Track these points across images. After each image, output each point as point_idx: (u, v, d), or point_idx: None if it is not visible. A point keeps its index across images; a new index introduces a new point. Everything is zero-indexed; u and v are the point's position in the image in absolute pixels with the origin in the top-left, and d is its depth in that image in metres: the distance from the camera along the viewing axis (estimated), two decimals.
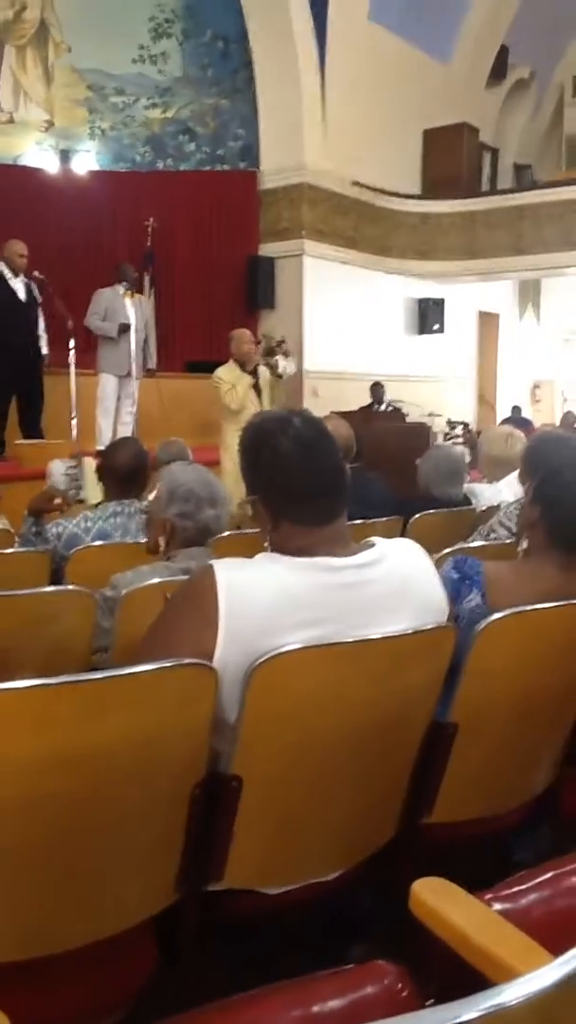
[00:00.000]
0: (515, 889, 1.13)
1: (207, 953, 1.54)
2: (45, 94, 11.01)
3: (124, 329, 7.83)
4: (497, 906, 1.09)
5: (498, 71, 13.55)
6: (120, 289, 8.02)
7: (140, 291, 8.94)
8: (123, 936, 1.39)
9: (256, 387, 6.67)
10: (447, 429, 10.61)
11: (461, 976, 0.97)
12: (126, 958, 1.44)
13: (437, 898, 1.03)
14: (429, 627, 1.55)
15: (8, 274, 7.36)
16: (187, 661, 1.36)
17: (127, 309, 7.96)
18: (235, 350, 6.69)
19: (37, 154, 10.90)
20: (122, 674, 1.31)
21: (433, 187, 12.83)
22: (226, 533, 3.12)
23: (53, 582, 2.76)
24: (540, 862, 1.20)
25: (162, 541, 2.42)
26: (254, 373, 6.68)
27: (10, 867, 1.27)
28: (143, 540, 2.86)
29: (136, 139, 11.46)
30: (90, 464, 4.26)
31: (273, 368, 6.80)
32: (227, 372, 6.62)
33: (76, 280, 8.64)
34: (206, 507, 2.38)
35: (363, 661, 1.47)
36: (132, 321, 7.92)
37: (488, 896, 1.10)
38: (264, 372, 6.84)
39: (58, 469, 4.11)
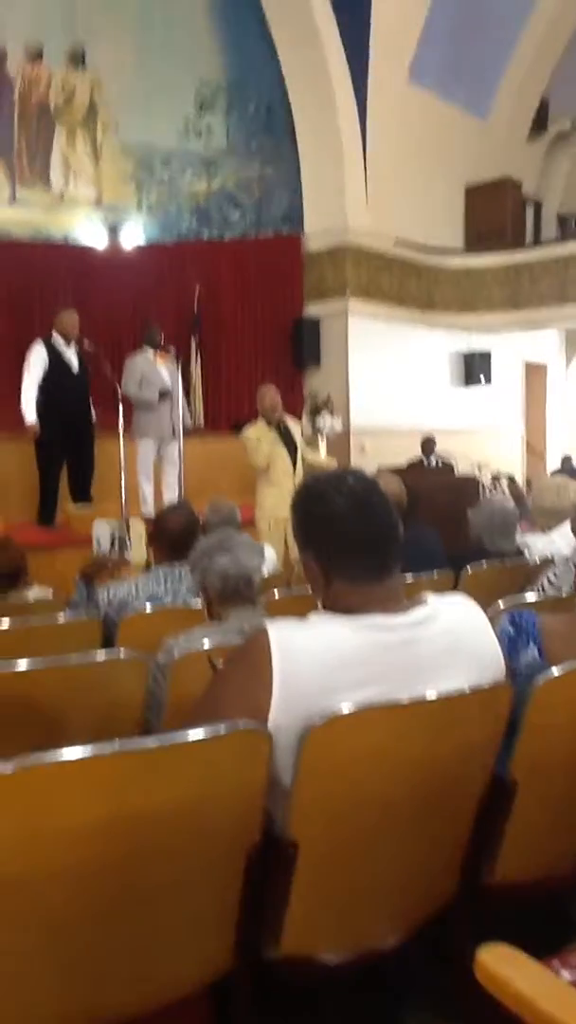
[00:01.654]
0: None
1: (263, 1020, 1.50)
2: (93, 171, 11.36)
3: (164, 394, 7.87)
4: (566, 974, 1.05)
5: (539, 124, 13.70)
6: (150, 353, 8.07)
7: (186, 354, 9.02)
8: (178, 1006, 1.36)
9: (288, 442, 6.61)
10: (492, 482, 10.52)
11: None
12: None
13: (503, 966, 1.00)
14: (485, 684, 1.53)
15: (62, 344, 7.55)
16: (242, 724, 1.35)
17: (162, 373, 8.02)
18: (259, 404, 6.67)
19: (87, 229, 11.22)
20: (176, 740, 1.31)
21: (476, 241, 12.93)
22: (277, 596, 3.13)
23: (105, 647, 2.77)
24: None
25: (206, 608, 2.49)
26: (279, 427, 6.61)
27: (64, 934, 1.26)
28: (192, 603, 2.88)
29: (182, 210, 11.74)
30: (136, 525, 4.30)
31: (314, 425, 6.71)
32: (253, 429, 6.60)
33: (125, 349, 8.80)
34: (216, 554, 2.42)
35: (419, 720, 1.45)
36: (167, 381, 7.97)
37: (555, 963, 1.06)
38: (295, 428, 6.76)
39: (103, 530, 4.16)
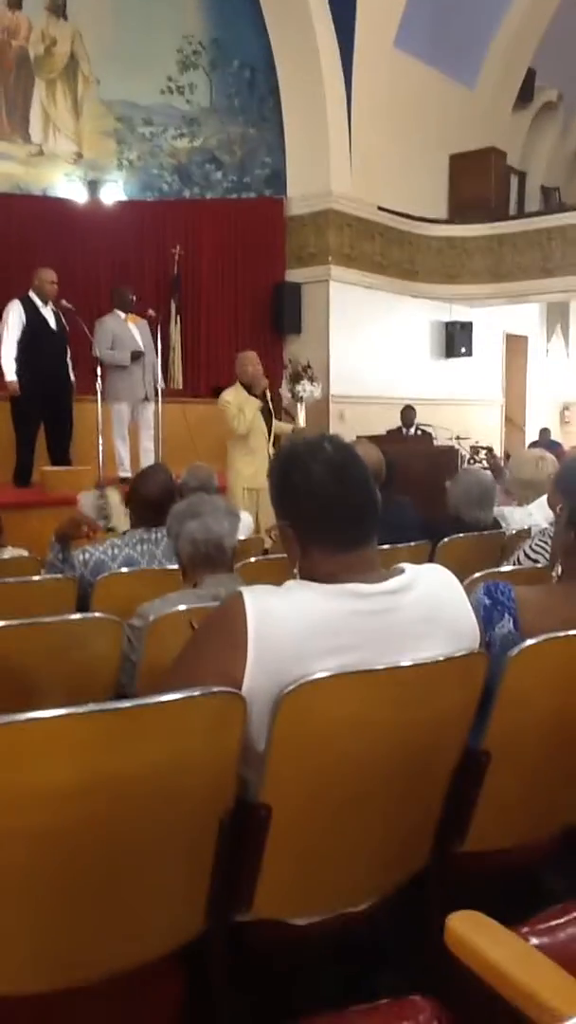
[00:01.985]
0: (552, 923, 1.10)
1: (235, 985, 1.51)
2: (74, 126, 11.16)
3: (136, 356, 7.79)
4: (534, 940, 1.06)
5: (525, 94, 13.59)
6: (121, 315, 7.97)
7: (165, 316, 8.92)
8: (151, 967, 1.37)
9: (265, 411, 6.59)
10: (471, 454, 10.55)
11: (499, 1013, 0.94)
12: (154, 990, 1.42)
13: (473, 932, 1.01)
14: (460, 654, 1.53)
15: (39, 303, 7.45)
16: (216, 689, 1.35)
17: (134, 335, 7.93)
18: (240, 372, 6.61)
19: (66, 185, 11.04)
20: (150, 702, 1.30)
21: (460, 211, 12.86)
22: (252, 559, 3.13)
23: (80, 609, 2.76)
24: (573, 893, 1.17)
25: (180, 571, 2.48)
26: (263, 397, 6.58)
27: (36, 894, 1.26)
28: (169, 567, 2.87)
29: (163, 169, 11.58)
30: (114, 494, 4.29)
31: (263, 394, 6.64)
32: (234, 395, 6.52)
33: (103, 309, 8.70)
34: (186, 519, 2.41)
35: (393, 688, 1.45)
36: (139, 342, 7.90)
37: (525, 930, 1.07)
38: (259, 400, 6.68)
39: (87, 501, 4.14)
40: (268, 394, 6.67)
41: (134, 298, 8.15)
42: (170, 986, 1.43)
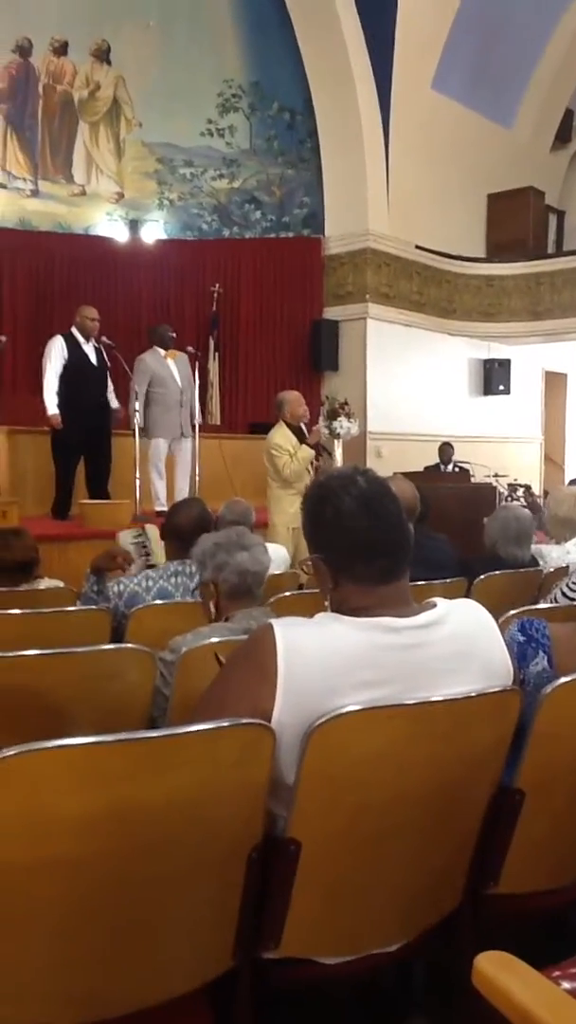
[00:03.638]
0: None
1: (260, 1022, 1.49)
2: (116, 167, 11.40)
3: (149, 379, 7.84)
4: (565, 984, 1.03)
5: (563, 134, 13.65)
6: (160, 352, 8.07)
7: (204, 352, 9.01)
8: (177, 1003, 1.35)
9: (314, 462, 6.58)
10: (508, 491, 10.48)
11: None
12: None
13: (502, 973, 0.98)
14: (493, 690, 1.51)
15: (80, 339, 7.57)
16: (245, 721, 1.35)
17: (172, 371, 7.99)
18: (290, 414, 6.60)
19: (107, 224, 11.26)
20: (178, 733, 1.30)
21: (498, 250, 12.89)
22: (286, 593, 3.12)
23: (113, 640, 2.77)
24: None
25: (212, 606, 2.45)
26: (316, 447, 6.57)
27: (60, 925, 1.25)
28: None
29: (203, 208, 11.76)
30: (153, 530, 4.31)
31: (316, 445, 6.64)
32: (283, 438, 6.51)
33: (143, 346, 8.81)
34: (236, 551, 2.39)
35: (424, 724, 1.43)
36: (177, 379, 7.96)
37: (556, 973, 1.04)
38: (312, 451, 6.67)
39: (125, 540, 4.17)
40: (321, 442, 6.65)
41: (173, 335, 8.25)
42: (196, 1021, 1.41)
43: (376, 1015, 1.56)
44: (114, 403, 7.78)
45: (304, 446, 6.49)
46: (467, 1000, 1.03)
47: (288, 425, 6.59)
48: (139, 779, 1.23)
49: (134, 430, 7.62)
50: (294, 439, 6.53)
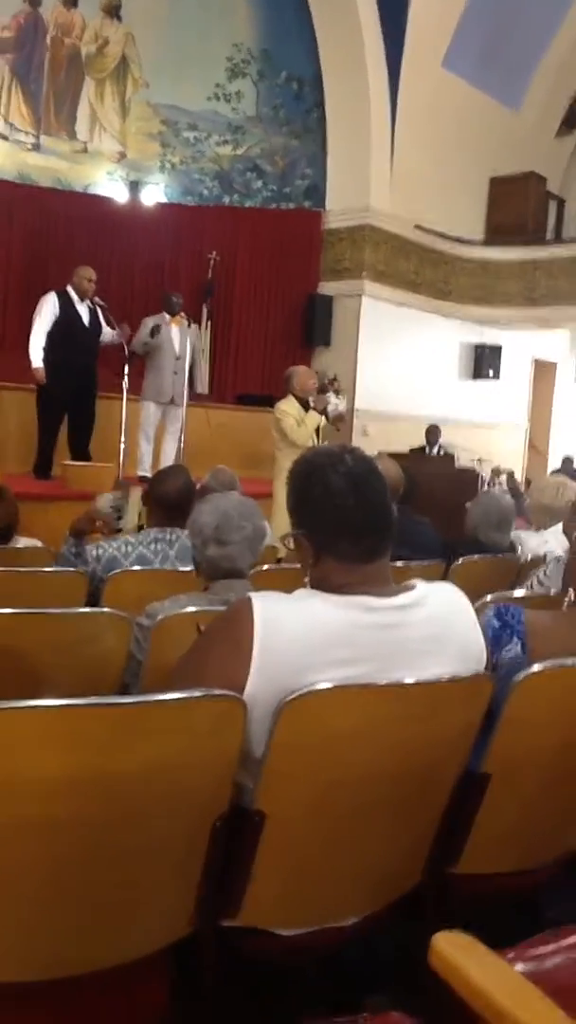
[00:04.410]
0: (541, 950, 1.08)
1: (219, 991, 1.51)
2: (120, 126, 11.25)
3: (155, 332, 7.85)
4: (520, 966, 1.04)
5: (570, 120, 13.57)
6: (166, 316, 8.10)
7: (196, 320, 8.99)
8: (139, 965, 1.37)
9: (317, 430, 6.66)
10: (492, 476, 10.51)
11: None
12: (137, 989, 1.42)
13: (458, 953, 0.99)
14: (465, 674, 1.52)
15: (75, 297, 7.51)
16: (218, 692, 1.35)
17: (171, 334, 8.02)
18: (299, 386, 6.65)
19: (108, 184, 11.13)
20: (152, 700, 1.30)
21: (496, 234, 12.84)
22: (265, 567, 3.12)
23: (90, 604, 2.77)
24: (572, 922, 1.15)
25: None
26: (323, 412, 6.63)
27: (28, 886, 1.26)
28: (182, 568, 2.87)
29: (205, 174, 11.64)
30: (135, 492, 4.29)
31: (323, 411, 6.72)
32: (291, 407, 6.58)
33: (136, 309, 8.77)
34: (210, 544, 2.36)
35: (397, 704, 1.44)
36: (176, 345, 7.97)
37: (511, 955, 1.05)
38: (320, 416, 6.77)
39: (103, 503, 4.16)
40: (327, 411, 6.69)
41: (179, 302, 8.26)
42: (155, 984, 1.42)
43: (339, 990, 1.57)
44: (116, 337, 7.68)
45: (311, 412, 6.55)
46: (429, 978, 1.04)
47: (296, 398, 6.62)
48: (110, 744, 1.23)
49: (123, 392, 7.58)
50: (301, 409, 6.58)
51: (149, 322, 8.02)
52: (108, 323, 7.60)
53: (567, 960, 1.06)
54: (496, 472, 10.56)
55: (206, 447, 8.28)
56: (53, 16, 10.52)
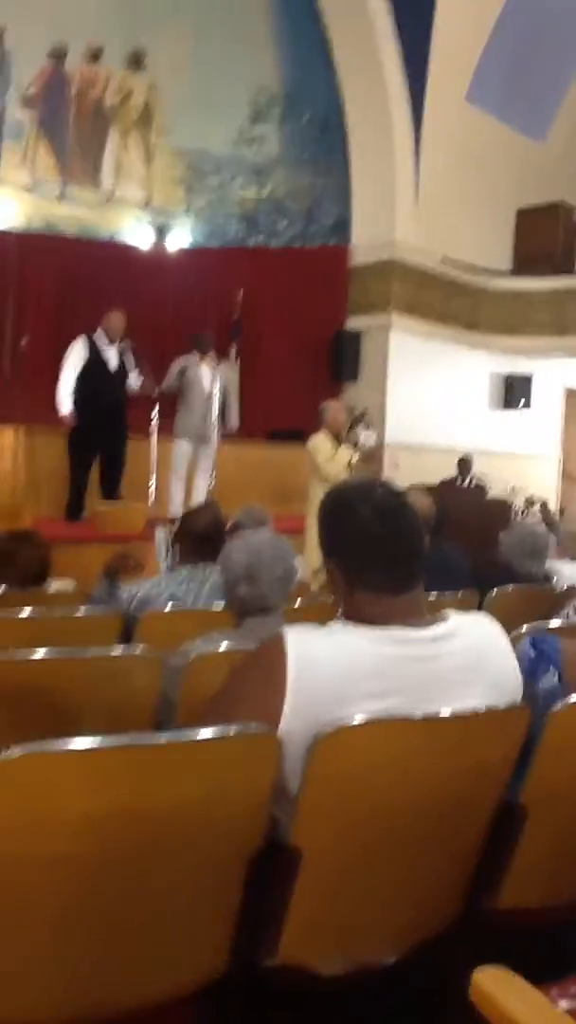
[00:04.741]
0: None
1: None
2: (145, 173, 11.43)
3: (182, 373, 7.95)
4: (563, 1003, 1.02)
5: None
6: (196, 356, 8.18)
7: (224, 356, 9.09)
8: (170, 1006, 1.35)
9: (350, 463, 6.73)
10: (525, 506, 10.44)
11: None
12: None
13: (500, 989, 0.98)
14: (502, 706, 1.50)
15: (103, 342, 7.62)
16: (252, 728, 1.34)
17: (200, 373, 8.10)
18: (331, 420, 6.76)
19: (134, 230, 11.31)
20: (185, 738, 1.30)
21: (525, 264, 12.85)
22: (297, 603, 3.11)
23: (122, 643, 2.77)
24: None
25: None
26: (355, 447, 6.73)
27: (58, 923, 1.26)
28: (213, 605, 2.87)
29: (230, 217, 11.79)
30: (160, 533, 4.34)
31: (355, 443, 6.81)
32: (324, 442, 6.67)
33: (166, 351, 8.85)
34: (241, 583, 2.36)
35: (432, 737, 1.43)
36: (205, 384, 8.04)
37: (554, 992, 1.03)
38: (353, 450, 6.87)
39: (161, 537, 4.22)
40: (358, 444, 6.76)
41: (210, 342, 8.37)
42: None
43: (367, 1020, 1.55)
44: (135, 381, 7.78)
45: (343, 446, 6.63)
46: (460, 1013, 1.02)
47: (329, 432, 6.73)
48: (144, 782, 1.24)
49: (151, 432, 7.66)
50: (333, 443, 6.68)
51: (179, 362, 8.10)
52: (137, 365, 7.69)
53: None
54: (529, 502, 10.48)
55: (237, 484, 8.32)
56: (78, 70, 10.78)
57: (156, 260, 11.02)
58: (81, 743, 1.21)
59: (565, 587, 3.68)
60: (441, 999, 1.42)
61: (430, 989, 1.57)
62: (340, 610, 1.60)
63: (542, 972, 1.05)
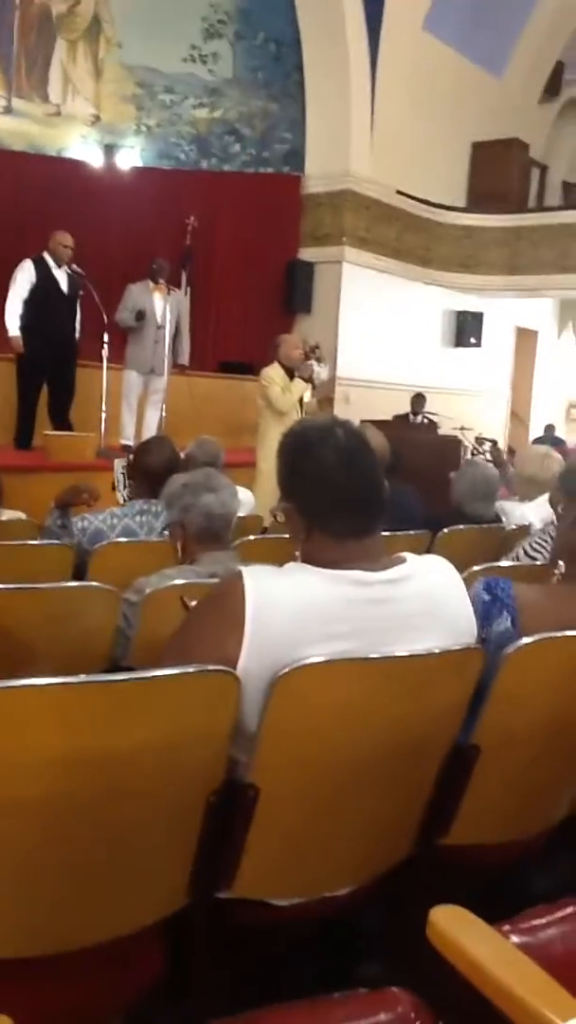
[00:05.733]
0: (535, 922, 1.10)
1: (214, 962, 1.52)
2: (93, 88, 11.06)
3: (140, 316, 7.79)
4: (515, 939, 1.06)
5: (552, 87, 13.49)
6: (149, 284, 8.02)
7: (175, 285, 8.91)
8: (132, 938, 1.38)
9: (301, 399, 6.66)
10: (475, 445, 10.53)
11: (477, 1010, 0.94)
12: (133, 961, 1.43)
13: (455, 927, 1.01)
14: (456, 647, 1.52)
15: (52, 265, 7.42)
16: (211, 667, 1.35)
17: (153, 303, 7.95)
18: (284, 355, 6.65)
19: (82, 148, 10.95)
20: (144, 677, 1.30)
21: (479, 201, 12.78)
22: (251, 537, 3.12)
23: (76, 577, 2.75)
24: (560, 894, 1.17)
25: (179, 547, 2.44)
26: (309, 380, 6.64)
27: (22, 863, 1.26)
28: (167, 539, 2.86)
29: (182, 138, 11.48)
30: (118, 464, 4.28)
31: (307, 376, 6.73)
32: (277, 374, 6.59)
33: (114, 275, 8.65)
34: (203, 492, 2.38)
35: (388, 678, 1.45)
36: (157, 314, 7.90)
37: (507, 928, 1.07)
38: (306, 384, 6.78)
39: (119, 467, 4.18)
40: (312, 378, 6.69)
41: (164, 268, 8.19)
42: (149, 958, 1.43)
43: (328, 960, 1.60)
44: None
45: (297, 380, 6.55)
46: (418, 949, 1.05)
47: (282, 365, 6.62)
48: (105, 721, 1.24)
49: (102, 360, 7.52)
50: (286, 376, 6.57)
51: (132, 293, 7.92)
52: (84, 290, 7.51)
53: (562, 932, 1.07)
54: (479, 441, 10.57)
55: (188, 416, 8.24)
56: None
57: (105, 179, 10.72)
58: (40, 681, 1.20)
59: (514, 527, 3.73)
60: (397, 936, 1.46)
61: (386, 926, 1.62)
62: (297, 551, 1.60)
63: (496, 910, 1.09)
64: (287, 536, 1.67)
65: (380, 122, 10.99)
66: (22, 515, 3.54)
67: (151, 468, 3.22)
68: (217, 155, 11.55)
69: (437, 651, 1.49)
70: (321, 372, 9.27)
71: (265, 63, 11.31)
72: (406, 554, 1.61)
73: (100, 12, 10.83)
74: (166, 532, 3.05)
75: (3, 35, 10.32)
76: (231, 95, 11.43)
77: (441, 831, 1.66)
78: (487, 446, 9.67)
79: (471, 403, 12.95)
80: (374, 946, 1.65)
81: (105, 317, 7.55)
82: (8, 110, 10.49)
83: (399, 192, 11.61)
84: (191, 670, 1.32)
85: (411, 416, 10.73)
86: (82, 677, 1.23)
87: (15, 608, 2.09)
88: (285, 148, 11.52)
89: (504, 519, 3.90)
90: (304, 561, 1.55)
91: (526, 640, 1.60)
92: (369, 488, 1.56)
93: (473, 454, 9.70)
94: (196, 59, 11.23)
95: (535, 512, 3.78)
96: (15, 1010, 0.87)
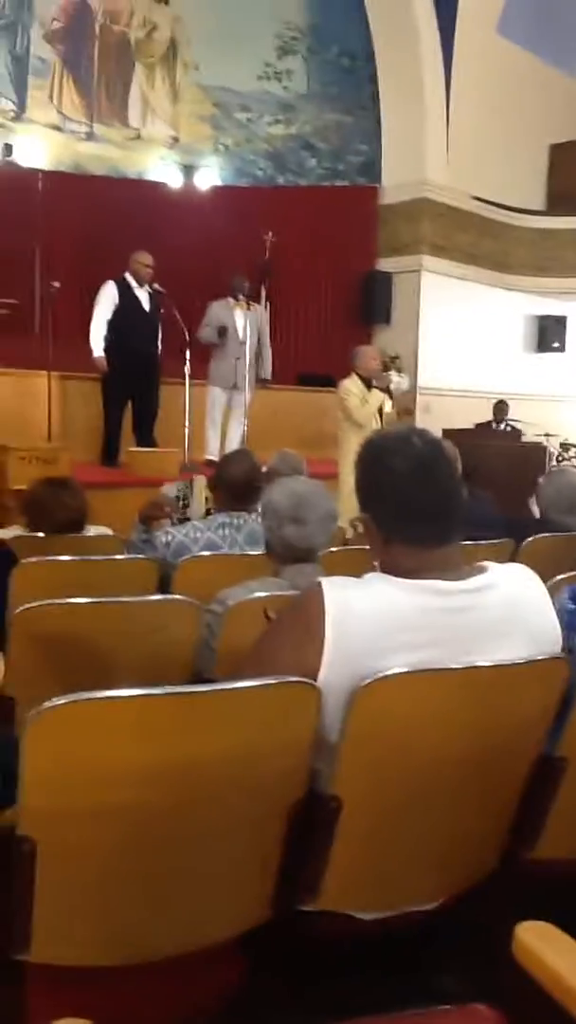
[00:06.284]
0: None
1: (296, 974, 1.52)
2: (171, 111, 11.26)
3: (222, 333, 7.85)
4: None
5: None
6: (230, 301, 8.08)
7: (255, 300, 8.98)
8: (212, 949, 1.38)
9: (380, 408, 6.66)
10: (561, 451, 10.33)
11: None
12: (214, 972, 1.43)
13: (542, 944, 0.99)
14: (541, 657, 1.50)
15: (133, 284, 7.56)
16: (291, 679, 1.35)
17: (235, 319, 8.02)
18: (361, 366, 6.67)
19: (161, 169, 11.15)
20: (226, 688, 1.31)
21: (557, 202, 12.57)
22: (333, 549, 3.11)
23: (160, 591, 2.79)
24: None
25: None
26: (386, 391, 6.65)
27: (103, 871, 1.28)
28: (250, 552, 2.88)
29: (258, 155, 11.60)
30: (200, 482, 4.32)
31: (386, 387, 6.72)
32: (354, 386, 6.60)
33: (194, 293, 8.75)
34: (287, 523, 2.36)
35: (470, 688, 1.43)
36: (239, 330, 7.95)
37: None
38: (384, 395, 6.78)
39: (171, 490, 4.20)
40: (391, 389, 6.70)
41: (245, 285, 8.23)
42: (230, 970, 1.44)
43: (408, 974, 1.57)
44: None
45: (374, 391, 6.56)
46: (501, 965, 1.03)
47: (360, 377, 6.63)
48: (186, 732, 1.25)
49: (185, 377, 7.62)
50: (363, 387, 6.59)
51: (214, 310, 8.00)
52: (166, 309, 7.62)
53: None
54: (565, 447, 10.37)
55: (268, 430, 8.29)
56: (101, 3, 10.55)
57: (184, 198, 10.88)
58: (124, 693, 1.22)
59: None
60: (479, 951, 1.44)
61: (469, 940, 1.59)
62: (376, 561, 1.59)
63: None
64: (369, 549, 1.66)
65: (455, 129, 10.92)
66: (108, 530, 3.61)
67: (232, 480, 3.24)
68: (293, 170, 11.63)
69: (520, 661, 1.47)
70: (401, 383, 9.24)
71: (338, 76, 11.35)
72: (488, 563, 1.59)
73: (176, 35, 11.04)
74: (247, 545, 3.08)
75: (83, 63, 10.60)
76: (306, 110, 11.51)
77: (527, 845, 1.63)
78: (573, 451, 9.49)
79: (556, 409, 12.70)
80: (455, 961, 1.63)
81: (187, 334, 7.65)
82: (90, 136, 10.75)
83: (475, 198, 11.50)
84: (271, 681, 1.33)
85: (493, 424, 10.59)
86: (164, 688, 1.24)
87: (100, 621, 2.13)
88: (360, 160, 11.54)
89: None
90: (383, 571, 1.55)
91: None
92: (445, 497, 1.54)
93: (559, 460, 9.52)
94: (270, 76, 11.34)
95: None
96: (95, 1017, 0.89)
